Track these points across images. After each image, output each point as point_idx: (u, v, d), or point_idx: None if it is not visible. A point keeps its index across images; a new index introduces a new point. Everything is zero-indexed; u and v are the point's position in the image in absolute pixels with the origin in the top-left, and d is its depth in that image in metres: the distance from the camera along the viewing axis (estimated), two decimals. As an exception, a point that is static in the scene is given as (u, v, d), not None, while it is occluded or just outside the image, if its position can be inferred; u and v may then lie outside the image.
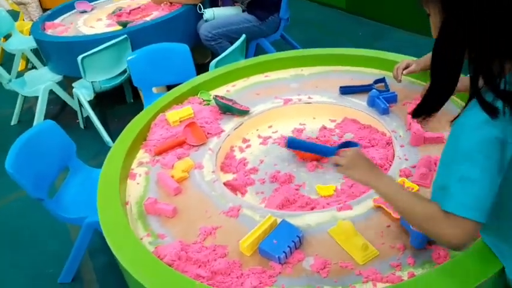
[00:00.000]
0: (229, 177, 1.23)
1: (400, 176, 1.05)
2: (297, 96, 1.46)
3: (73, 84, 2.45)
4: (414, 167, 1.07)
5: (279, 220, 0.96)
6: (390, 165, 1.11)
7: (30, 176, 1.35)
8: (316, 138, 1.29)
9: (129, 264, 0.88)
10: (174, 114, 1.36)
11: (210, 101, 1.48)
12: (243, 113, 1.39)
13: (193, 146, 1.28)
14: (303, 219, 0.97)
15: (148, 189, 1.15)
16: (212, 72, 1.64)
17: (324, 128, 1.35)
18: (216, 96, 1.44)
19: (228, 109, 1.40)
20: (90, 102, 2.48)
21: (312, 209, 1.04)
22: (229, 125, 1.37)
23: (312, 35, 3.50)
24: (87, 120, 2.59)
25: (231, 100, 1.45)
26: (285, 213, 1.00)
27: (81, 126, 2.65)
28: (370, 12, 3.47)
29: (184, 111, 1.38)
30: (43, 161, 1.44)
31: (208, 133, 1.32)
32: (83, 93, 2.34)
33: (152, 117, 1.41)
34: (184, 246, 0.93)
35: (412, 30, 3.14)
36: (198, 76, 1.63)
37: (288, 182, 1.16)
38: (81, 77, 2.28)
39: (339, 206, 0.99)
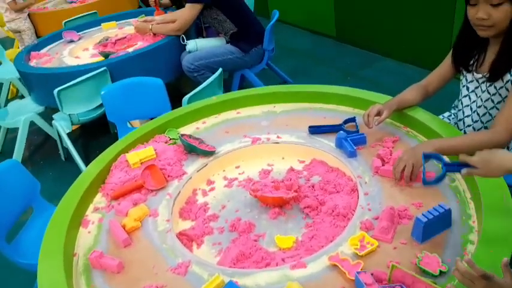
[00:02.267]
0: (187, 224, 1.16)
1: (361, 228, 0.98)
2: (266, 135, 1.40)
3: (53, 116, 2.42)
4: (377, 218, 1.00)
5: (227, 280, 0.89)
6: (353, 214, 1.04)
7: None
8: (282, 181, 1.23)
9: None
10: (134, 156, 1.31)
11: (176, 139, 1.43)
12: (208, 153, 1.34)
13: (151, 190, 1.22)
14: (253, 279, 0.90)
15: (99, 239, 1.09)
16: (182, 109, 1.60)
17: (292, 169, 1.29)
18: (183, 135, 1.39)
19: (192, 149, 1.35)
20: (72, 133, 2.45)
21: (267, 265, 0.96)
22: (193, 166, 1.31)
23: (300, 63, 3.48)
24: (69, 152, 2.55)
25: (197, 139, 1.40)
26: (236, 272, 0.93)
27: (62, 158, 2.61)
28: (359, 40, 3.45)
29: (145, 151, 1.33)
30: (2, 203, 1.38)
31: (169, 176, 1.27)
32: (61, 125, 2.31)
33: (113, 158, 1.36)
34: (123, 309, 0.86)
35: (399, 59, 3.12)
36: (168, 113, 1.58)
37: (248, 231, 1.09)
38: (61, 109, 2.25)
39: (292, 264, 0.92)
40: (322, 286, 0.86)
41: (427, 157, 1.00)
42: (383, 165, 1.16)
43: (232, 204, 1.21)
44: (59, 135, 2.44)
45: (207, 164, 1.32)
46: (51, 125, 2.55)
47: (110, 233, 1.09)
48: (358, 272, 0.83)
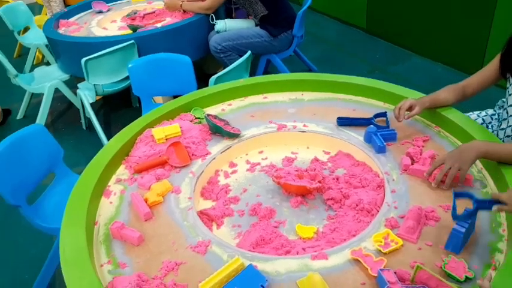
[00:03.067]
0: (207, 204, 1.16)
1: (385, 226, 0.96)
2: (292, 123, 1.38)
3: (78, 85, 2.43)
4: (403, 217, 0.98)
5: (246, 263, 0.89)
6: (378, 211, 1.02)
7: (8, 181, 1.32)
8: (306, 170, 1.21)
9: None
10: (160, 131, 1.31)
11: (202, 119, 1.42)
12: (233, 136, 1.33)
13: (175, 167, 1.22)
14: (273, 265, 0.89)
15: (120, 210, 1.10)
16: (209, 89, 1.59)
17: (316, 160, 1.28)
18: (208, 115, 1.38)
19: (218, 130, 1.34)
20: (95, 103, 2.47)
21: (287, 252, 0.96)
22: (217, 147, 1.30)
23: (328, 52, 3.42)
24: (90, 121, 2.57)
25: (223, 121, 1.39)
26: (256, 256, 0.92)
27: (84, 127, 2.63)
28: (390, 34, 3.37)
29: (171, 128, 1.32)
30: (26, 166, 1.40)
31: (193, 154, 1.26)
32: (85, 94, 2.32)
33: (139, 132, 1.36)
34: (142, 281, 0.87)
35: (429, 57, 3.04)
36: (194, 92, 1.57)
37: (268, 217, 1.09)
38: (86, 78, 2.27)
39: (314, 254, 0.91)
40: (343, 280, 0.85)
41: (458, 195, 0.92)
42: (412, 164, 1.14)
43: (254, 189, 1.20)
44: (82, 104, 2.46)
45: (230, 146, 1.31)
46: (75, 93, 2.57)
47: (132, 205, 1.10)
48: (381, 269, 0.81)
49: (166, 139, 1.31)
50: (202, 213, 1.10)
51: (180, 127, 1.34)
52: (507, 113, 1.28)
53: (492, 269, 0.84)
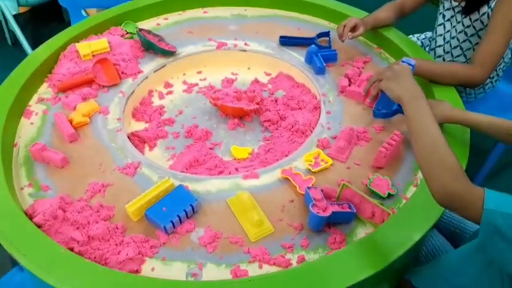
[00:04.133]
0: (140, 126, 1.10)
1: (317, 146, 0.97)
2: (233, 41, 1.31)
3: (-3, -7, 2.13)
4: (335, 137, 0.99)
5: (177, 184, 0.87)
6: (312, 132, 1.03)
7: None
8: (245, 92, 1.17)
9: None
10: (86, 47, 1.18)
11: (134, 34, 1.30)
12: (168, 53, 1.24)
13: (103, 86, 1.13)
14: (204, 185, 0.88)
15: (42, 131, 1.01)
16: (143, 0, 1.44)
17: (257, 81, 1.23)
18: (141, 30, 1.26)
19: (150, 47, 1.24)
20: (21, 17, 2.20)
21: (220, 173, 0.95)
22: (150, 65, 1.21)
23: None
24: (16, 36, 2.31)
25: (157, 36, 1.28)
26: (187, 177, 0.91)
27: (9, 42, 2.37)
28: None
29: (98, 43, 1.20)
30: None
31: (123, 72, 1.17)
32: (6, 4, 2.05)
33: (63, 46, 1.22)
34: (65, 204, 0.83)
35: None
36: (127, 3, 1.41)
37: (204, 139, 1.06)
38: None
39: (245, 174, 0.90)
40: (272, 197, 0.86)
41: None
42: (349, 85, 1.13)
43: (190, 111, 1.15)
44: (4, 17, 2.18)
45: (165, 65, 1.22)
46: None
47: (56, 126, 1.02)
48: (308, 187, 0.83)
49: (93, 55, 1.19)
50: (133, 135, 1.05)
51: (109, 42, 1.22)
52: (436, 32, 1.29)
53: (414, 186, 0.89)
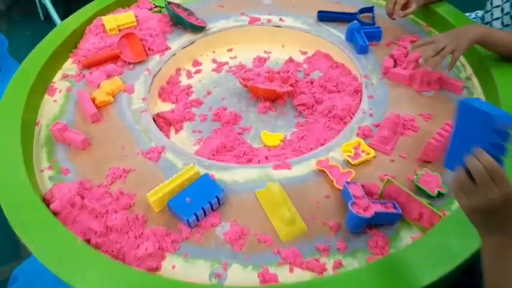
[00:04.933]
0: (166, 107, 1.04)
1: (358, 135, 0.87)
2: (266, 16, 1.21)
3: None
4: (378, 126, 0.88)
5: (202, 172, 0.80)
6: (351, 118, 0.93)
7: None
8: (278, 72, 1.08)
9: (7, 205, 0.73)
10: (112, 20, 1.12)
11: (162, 7, 1.23)
12: (198, 29, 1.15)
13: (128, 63, 1.06)
14: (232, 174, 0.81)
15: (65, 110, 0.97)
16: (173, -28, 1.35)
17: (291, 60, 1.13)
18: (170, 3, 1.18)
19: (179, 21, 1.16)
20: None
21: (248, 161, 0.87)
22: (178, 41, 1.14)
23: None
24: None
25: (187, 10, 1.20)
26: (214, 164, 0.84)
27: (41, 16, 2.35)
28: None
29: (124, 17, 1.13)
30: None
31: (149, 49, 1.10)
32: (37, -23, 2.01)
33: (89, 20, 1.16)
34: (84, 189, 0.78)
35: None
36: (156, -26, 1.33)
37: (233, 123, 0.98)
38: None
39: (276, 163, 0.82)
40: (305, 191, 0.78)
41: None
42: (395, 66, 1.01)
43: (219, 92, 1.07)
44: (36, -10, 2.15)
45: (194, 42, 1.14)
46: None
47: (78, 105, 0.97)
48: (347, 182, 0.74)
49: (119, 30, 1.13)
50: (159, 116, 0.99)
51: (136, 16, 1.15)
52: (491, 4, 1.13)
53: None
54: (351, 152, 0.83)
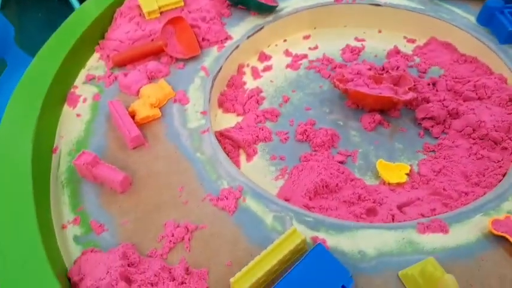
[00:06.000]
0: (229, 120, 0.74)
1: (545, 175, 0.57)
2: (357, -9, 0.89)
3: None
4: None
5: (304, 233, 0.52)
6: (509, 145, 0.62)
7: None
8: (383, 68, 0.78)
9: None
10: (151, 0, 0.82)
11: (215, -18, 0.92)
12: (266, 9, 0.85)
13: (176, 58, 0.77)
14: (351, 239, 0.52)
15: (93, 129, 0.68)
16: None
17: (396, 52, 0.83)
18: (226, -25, 0.88)
19: (242, 0, 0.85)
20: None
21: (369, 213, 0.58)
22: (240, 27, 0.83)
23: None
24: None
25: (248, -15, 0.89)
26: (321, 220, 0.54)
27: (55, -4, 2.07)
28: None
29: (168, -5, 0.83)
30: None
31: (203, 39, 0.80)
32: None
33: (118, 0, 0.87)
34: (129, 265, 0.50)
35: None
36: None
37: (328, 145, 0.69)
38: None
39: (422, 222, 0.53)
40: (475, 272, 0.48)
41: None
42: None
43: (301, 97, 0.78)
44: (49, -35, 1.86)
45: (262, 28, 0.84)
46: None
47: (111, 121, 0.69)
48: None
49: (160, 12, 0.83)
50: (223, 137, 0.70)
51: (183, -7, 0.85)
52: None
53: None
54: (537, 202, 0.53)
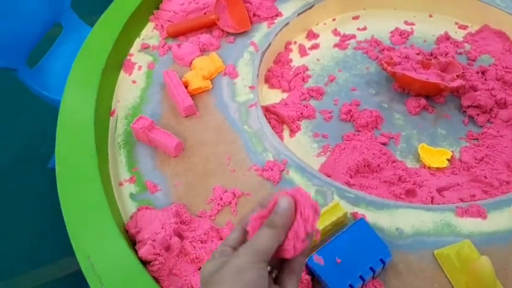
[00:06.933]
0: (275, 96, 0.77)
1: None
2: (409, -27, 0.88)
3: None
4: None
5: (349, 210, 0.54)
6: None
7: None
8: (431, 54, 0.78)
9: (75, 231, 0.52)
10: (206, -27, 0.84)
11: (267, -43, 0.93)
12: (317, -12, 0.85)
13: (227, 33, 0.79)
14: (390, 217, 0.55)
15: (149, 96, 0.73)
16: None
17: (447, 37, 0.82)
18: (278, -50, 0.88)
19: (293, -23, 0.86)
20: None
21: (408, 193, 0.60)
22: (291, 4, 0.85)
23: None
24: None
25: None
26: (362, 198, 0.57)
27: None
28: None
29: (222, -31, 0.85)
30: (17, 14, 1.01)
31: (254, 15, 0.82)
32: None
33: (173, -28, 0.89)
34: (181, 223, 0.55)
35: None
36: None
37: (371, 126, 0.70)
38: None
39: (461, 207, 0.55)
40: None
41: None
42: None
43: (347, 78, 0.79)
44: None
45: (312, 6, 0.85)
46: None
47: (165, 90, 0.73)
48: None
49: (214, -14, 0.85)
50: (269, 111, 0.73)
51: (236, -32, 0.87)
52: None
53: None
54: None
